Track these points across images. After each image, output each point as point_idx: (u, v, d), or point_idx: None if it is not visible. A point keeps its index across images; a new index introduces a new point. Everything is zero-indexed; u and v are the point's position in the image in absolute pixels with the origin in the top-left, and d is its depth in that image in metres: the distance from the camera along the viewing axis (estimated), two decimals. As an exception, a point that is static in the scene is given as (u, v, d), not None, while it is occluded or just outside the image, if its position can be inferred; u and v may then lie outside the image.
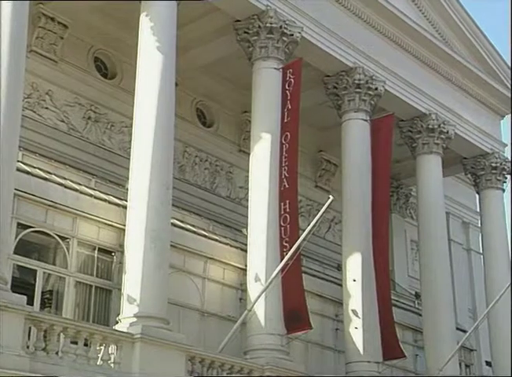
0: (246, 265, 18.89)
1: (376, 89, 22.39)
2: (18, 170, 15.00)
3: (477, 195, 27.78)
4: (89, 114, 20.46)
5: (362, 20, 22.68)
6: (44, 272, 15.99)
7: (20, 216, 15.57)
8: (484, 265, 27.07)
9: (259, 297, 17.60)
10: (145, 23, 17.41)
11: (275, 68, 19.85)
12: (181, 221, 18.75)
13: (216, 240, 19.66)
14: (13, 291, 13.62)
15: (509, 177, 26.76)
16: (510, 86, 27.09)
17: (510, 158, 27.13)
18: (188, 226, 19.04)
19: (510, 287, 24.31)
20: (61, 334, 14.01)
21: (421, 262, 24.56)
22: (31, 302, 14.52)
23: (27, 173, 16.02)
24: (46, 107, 19.47)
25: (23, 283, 15.20)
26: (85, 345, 14.31)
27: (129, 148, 17.24)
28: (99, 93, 20.67)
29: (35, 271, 15.81)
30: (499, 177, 26.68)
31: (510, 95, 27.17)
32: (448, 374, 21.98)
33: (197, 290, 18.84)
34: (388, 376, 21.11)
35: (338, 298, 21.26)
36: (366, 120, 22.20)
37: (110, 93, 20.81)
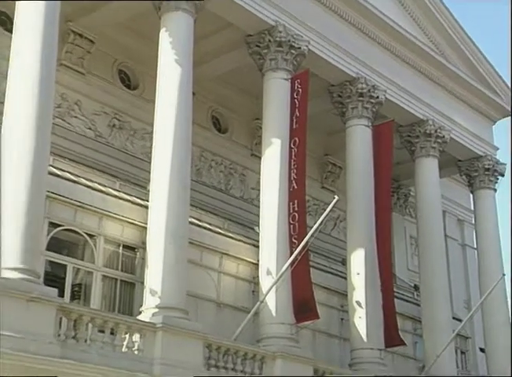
0: (258, 260, 18.92)
1: (377, 97, 22.36)
2: (50, 173, 15.09)
3: (471, 195, 27.67)
4: (114, 122, 20.51)
5: (364, 33, 22.67)
6: (73, 267, 16.12)
7: (52, 216, 15.66)
8: (477, 259, 26.99)
9: (270, 289, 17.65)
10: (165, 38, 17.48)
11: (284, 79, 19.86)
12: (198, 220, 18.79)
13: (230, 237, 19.73)
14: (46, 284, 13.79)
15: (500, 177, 26.75)
16: (499, 93, 27.07)
17: (501, 160, 27.09)
18: (205, 224, 19.10)
19: (503, 280, 24.41)
20: (89, 323, 14.11)
21: (419, 257, 24.53)
22: (61, 295, 14.58)
23: (58, 176, 16.13)
24: (75, 116, 19.55)
25: (54, 277, 15.32)
26: (112, 333, 14.41)
27: (150, 152, 17.25)
28: (123, 102, 20.74)
29: (65, 266, 15.95)
30: (491, 178, 26.61)
31: (499, 101, 27.16)
32: (445, 360, 22.00)
33: (213, 283, 18.91)
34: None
35: (343, 290, 21.24)
36: (368, 126, 22.17)
37: (133, 102, 20.85)
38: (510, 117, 27.91)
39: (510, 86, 27.27)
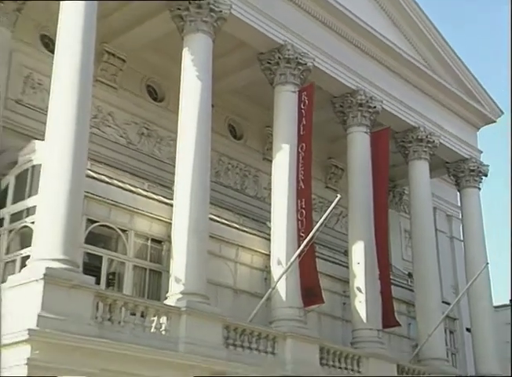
0: (269, 252, 18.94)
1: (375, 107, 22.37)
2: (87, 176, 15.23)
3: (458, 193, 27.64)
4: (143, 130, 20.60)
5: (363, 51, 22.71)
6: (108, 258, 16.18)
7: (89, 213, 15.75)
8: (464, 250, 27.00)
9: (281, 277, 17.75)
10: (187, 57, 17.57)
11: (292, 91, 19.89)
12: (217, 216, 18.80)
13: (245, 231, 19.76)
14: (84, 273, 13.94)
15: (484, 177, 26.78)
16: (483, 103, 27.10)
17: (484, 162, 27.08)
18: (223, 220, 19.13)
19: (486, 268, 24.42)
20: (122, 307, 14.23)
21: (413, 248, 24.55)
22: (98, 282, 14.68)
23: (94, 178, 16.22)
24: (109, 126, 19.67)
25: (92, 267, 15.39)
26: (142, 316, 14.53)
27: (175, 157, 17.30)
28: (150, 113, 20.82)
29: (101, 257, 16.02)
30: (476, 178, 26.58)
31: (483, 110, 27.18)
32: (436, 339, 22.00)
33: (230, 272, 18.96)
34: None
35: (345, 278, 21.25)
36: (367, 133, 22.19)
37: (159, 113, 20.91)
38: (491, 124, 27.97)
39: (492, 96, 27.35)
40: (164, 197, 17.55)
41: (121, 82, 20.10)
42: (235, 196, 22.44)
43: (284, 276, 17.70)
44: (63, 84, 14.73)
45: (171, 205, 16.93)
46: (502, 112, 27.94)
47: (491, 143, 57.81)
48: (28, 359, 12.14)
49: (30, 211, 15.40)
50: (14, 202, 16.13)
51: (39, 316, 12.43)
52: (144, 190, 17.67)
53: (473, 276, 23.92)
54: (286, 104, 19.84)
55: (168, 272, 16.32)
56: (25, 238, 15.36)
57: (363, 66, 22.55)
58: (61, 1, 15.32)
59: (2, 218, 16.11)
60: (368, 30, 22.49)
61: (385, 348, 20.46)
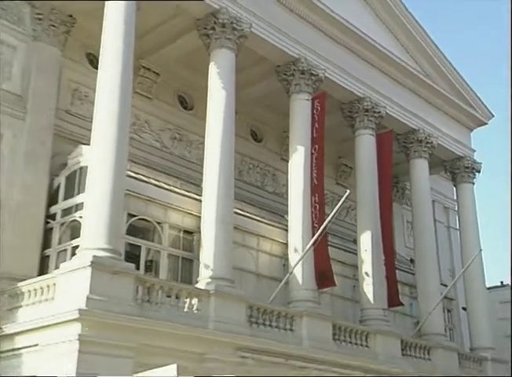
0: (287, 241, 18.95)
1: (379, 112, 22.31)
2: (127, 176, 15.39)
3: (454, 188, 27.46)
4: (175, 135, 20.66)
5: (368, 63, 22.62)
6: (146, 248, 16.39)
7: (129, 208, 15.93)
8: (460, 238, 26.80)
9: (297, 263, 17.76)
10: (213, 70, 17.65)
11: (306, 99, 19.87)
12: (241, 210, 18.85)
13: (265, 223, 19.79)
14: (125, 261, 14.12)
15: (477, 173, 26.59)
16: (476, 108, 26.90)
17: (477, 160, 26.89)
18: (246, 213, 19.18)
19: (479, 254, 24.33)
20: (159, 290, 14.38)
21: (414, 237, 24.43)
22: (137, 268, 14.90)
23: (134, 178, 16.38)
24: (145, 132, 19.77)
25: (132, 255, 15.56)
26: (176, 298, 14.66)
27: (203, 158, 17.34)
28: (181, 120, 20.90)
29: (140, 247, 16.22)
30: (470, 175, 26.35)
31: (476, 114, 27.00)
32: (435, 317, 21.96)
33: (253, 259, 19.05)
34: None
35: (354, 263, 21.19)
36: (372, 135, 22.11)
37: (189, 120, 20.95)
38: (483, 126, 27.71)
39: (483, 101, 27.15)
40: (194, 193, 17.61)
41: (156, 93, 20.20)
42: (256, 192, 22.45)
43: (300, 263, 17.72)
44: (105, 96, 14.94)
45: (200, 200, 16.99)
46: (493, 115, 27.66)
47: (484, 143, 57.71)
48: (79, 335, 12.37)
49: (78, 207, 15.67)
50: (65, 199, 16.42)
51: (88, 298, 12.64)
52: (177, 188, 17.77)
53: (468, 261, 23.82)
54: (300, 110, 19.82)
55: (198, 259, 16.45)
56: (75, 230, 15.63)
57: (368, 76, 22.45)
58: (104, 24, 15.53)
59: (55, 213, 16.40)
60: (373, 44, 22.42)
61: (390, 325, 20.40)
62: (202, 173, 17.15)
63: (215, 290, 15.18)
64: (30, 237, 15.72)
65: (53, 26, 17.40)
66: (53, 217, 16.37)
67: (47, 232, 16.23)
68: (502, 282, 39.93)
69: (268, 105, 22.58)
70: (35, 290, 14.19)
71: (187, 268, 17.13)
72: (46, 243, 16.15)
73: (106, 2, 15.62)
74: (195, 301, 14.88)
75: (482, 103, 27.15)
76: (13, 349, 13.85)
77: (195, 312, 14.80)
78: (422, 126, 24.38)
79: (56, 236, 16.16)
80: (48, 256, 16.07)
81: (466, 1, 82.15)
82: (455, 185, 27.13)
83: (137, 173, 16.74)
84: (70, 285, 13.19)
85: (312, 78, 20.00)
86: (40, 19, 17.22)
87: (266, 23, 19.05)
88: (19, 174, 15.91)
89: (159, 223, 16.77)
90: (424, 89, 24.80)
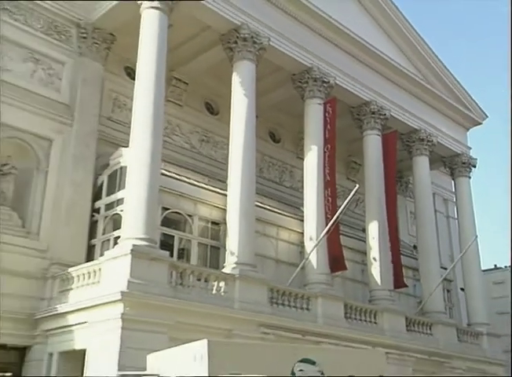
0: (303, 230, 18.88)
1: (385, 114, 22.12)
2: (161, 174, 15.50)
3: (452, 181, 27.22)
4: (203, 137, 20.69)
5: (373, 70, 22.39)
6: (178, 237, 16.48)
7: (163, 202, 16.01)
8: (458, 226, 26.57)
9: (312, 250, 17.76)
10: (236, 79, 17.66)
11: (318, 104, 19.77)
12: (261, 203, 18.81)
13: (283, 215, 19.77)
14: (161, 249, 14.26)
15: (473, 168, 26.35)
16: (471, 109, 26.58)
17: (473, 156, 26.62)
18: (266, 206, 19.14)
19: (475, 241, 24.12)
20: (190, 275, 14.50)
21: (417, 225, 24.16)
22: (171, 255, 15.00)
23: (167, 176, 16.45)
24: (177, 135, 19.80)
25: (166, 244, 15.65)
26: (205, 281, 14.77)
27: (228, 157, 17.36)
28: (208, 124, 20.91)
29: (173, 236, 16.32)
30: (466, 169, 26.09)
31: (471, 115, 26.67)
32: (436, 296, 21.82)
33: (273, 246, 19.06)
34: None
35: (363, 250, 21.07)
36: (378, 135, 21.93)
37: (215, 124, 20.96)
38: (478, 126, 27.35)
39: (478, 104, 26.84)
40: (220, 189, 17.63)
41: (185, 100, 20.23)
42: (275, 187, 22.38)
43: (315, 249, 17.70)
44: (141, 103, 15.09)
45: (225, 195, 17.01)
46: (487, 116, 27.33)
47: (479, 141, 56.99)
48: (122, 314, 12.58)
49: (119, 202, 15.84)
50: (107, 195, 16.60)
51: (129, 281, 12.84)
52: (205, 184, 17.81)
53: (465, 247, 23.65)
54: (314, 114, 19.72)
55: (224, 247, 16.49)
56: (116, 222, 15.82)
57: (374, 82, 22.26)
58: (140, 40, 15.65)
59: (99, 208, 16.60)
60: (378, 54, 22.22)
61: (396, 304, 20.34)
62: (227, 171, 17.17)
63: (239, 274, 15.26)
64: (78, 229, 15.95)
65: (96, 43, 17.59)
66: (97, 211, 16.58)
67: (93, 225, 16.45)
68: (495, 265, 39.60)
69: (284, 110, 22.49)
70: (83, 274, 14.45)
71: (214, 255, 17.18)
72: (92, 234, 16.37)
73: (142, 22, 15.77)
74: (222, 284, 14.97)
75: (477, 105, 26.82)
76: (65, 326, 14.11)
77: (222, 293, 14.89)
78: (423, 127, 24.13)
79: (100, 228, 16.38)
80: (94, 245, 16.30)
81: (460, 6, 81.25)
82: (453, 179, 26.85)
83: (170, 172, 16.83)
84: (113, 270, 13.40)
85: (324, 84, 19.90)
86: (84, 37, 17.42)
87: (282, 36, 18.98)
88: (68, 174, 16.15)
89: (189, 215, 16.86)
90: (424, 93, 24.53)
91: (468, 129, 27.29)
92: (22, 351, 14.77)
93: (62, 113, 16.57)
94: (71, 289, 14.56)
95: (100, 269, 13.93)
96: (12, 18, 16.18)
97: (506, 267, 37.88)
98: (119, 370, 11.38)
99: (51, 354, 14.41)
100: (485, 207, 70.78)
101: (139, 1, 15.83)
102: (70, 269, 14.79)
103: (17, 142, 15.79)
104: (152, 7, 15.69)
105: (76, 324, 13.81)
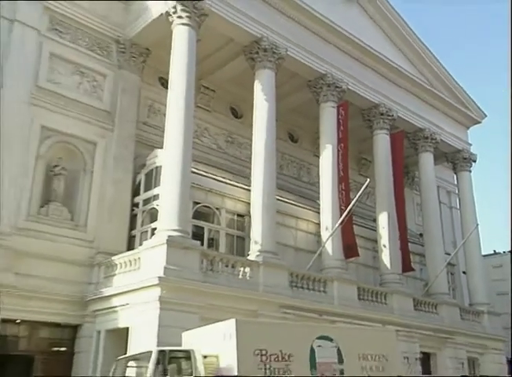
0: (319, 221, 18.74)
1: (392, 115, 21.79)
2: (192, 172, 15.47)
3: (454, 175, 26.80)
4: (228, 139, 20.59)
5: (382, 76, 22.07)
6: (208, 228, 16.44)
7: (194, 197, 16.02)
8: (460, 216, 26.08)
9: (328, 239, 17.66)
10: (257, 86, 17.58)
11: (332, 107, 19.58)
12: (281, 197, 18.67)
13: (302, 207, 19.60)
14: (193, 239, 14.28)
15: (473, 163, 25.88)
16: (471, 109, 26.08)
17: (473, 152, 26.13)
18: (285, 200, 19.00)
19: (476, 229, 23.73)
20: (219, 262, 14.53)
21: (423, 216, 23.80)
22: (202, 245, 15.04)
23: (197, 173, 16.42)
24: (205, 137, 19.73)
25: (197, 234, 15.63)
26: (232, 267, 14.79)
27: (251, 156, 17.28)
28: (233, 127, 20.80)
29: (203, 228, 16.30)
30: (467, 164, 25.62)
31: (471, 114, 26.16)
32: (441, 279, 21.52)
33: (292, 236, 18.92)
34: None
35: (374, 238, 20.84)
36: (387, 134, 21.63)
37: (239, 126, 20.84)
38: (478, 124, 26.81)
39: (478, 104, 26.32)
40: (244, 184, 17.57)
41: (213, 106, 20.17)
42: (293, 183, 22.19)
43: (331, 238, 17.59)
44: (174, 109, 15.12)
45: (249, 190, 16.97)
46: (486, 115, 26.82)
47: (479, 138, 55.94)
48: (159, 296, 12.71)
49: (155, 197, 15.89)
50: (145, 191, 16.68)
51: (165, 268, 12.95)
52: (230, 180, 17.75)
53: (467, 234, 23.39)
54: (328, 116, 19.54)
55: (249, 237, 16.46)
56: (153, 216, 15.87)
57: (383, 86, 21.95)
58: (172, 54, 15.66)
59: (138, 203, 16.69)
60: (386, 60, 21.90)
61: (404, 286, 20.13)
62: (250, 168, 17.12)
63: (263, 260, 15.24)
64: (120, 221, 16.10)
65: (133, 57, 17.67)
66: (136, 205, 16.66)
67: (132, 218, 16.55)
68: (494, 250, 38.92)
69: (301, 113, 22.28)
70: (125, 262, 14.57)
71: (240, 244, 17.12)
72: (132, 226, 16.48)
73: (173, 37, 15.78)
74: (247, 269, 14.96)
75: (476, 105, 26.33)
76: (110, 308, 14.27)
77: (248, 278, 14.89)
78: (427, 126, 23.73)
79: (139, 220, 16.46)
80: (134, 236, 16.40)
81: (459, 12, 79.54)
82: (455, 173, 26.42)
83: (199, 170, 16.81)
84: (151, 258, 13.49)
85: (337, 89, 19.70)
86: (123, 52, 17.50)
87: (299, 46, 18.81)
88: (110, 174, 16.29)
89: (217, 208, 16.84)
90: (428, 95, 24.10)
91: (468, 128, 26.76)
92: (74, 329, 15.02)
93: (104, 119, 16.71)
94: (115, 275, 14.70)
95: (139, 257, 14.03)
96: (61, 37, 16.37)
97: (504, 252, 37.34)
98: (158, 345, 11.44)
99: (99, 332, 14.60)
100: (485, 198, 69.65)
101: (171, 19, 15.86)
102: (113, 257, 14.92)
103: (66, 146, 15.99)
104: (182, 24, 15.71)
105: (120, 306, 13.96)
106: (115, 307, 14.08)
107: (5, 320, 13.52)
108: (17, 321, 13.93)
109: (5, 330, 13.74)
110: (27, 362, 14.04)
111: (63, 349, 14.73)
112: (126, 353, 12.33)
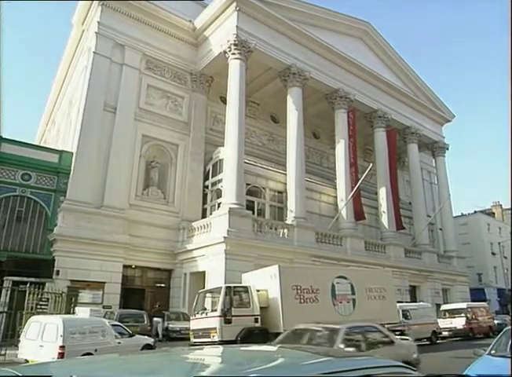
0: (336, 195, 18.05)
1: (387, 117, 20.62)
2: (245, 162, 15.04)
3: (433, 159, 25.29)
4: (269, 137, 19.95)
5: (379, 89, 20.82)
6: (257, 202, 16.15)
7: (247, 180, 15.55)
8: (438, 189, 24.68)
9: (343, 207, 17.01)
10: (289, 100, 16.91)
11: (343, 113, 18.71)
12: (309, 178, 17.98)
13: (323, 185, 18.91)
14: (246, 209, 13.90)
15: (446, 150, 24.39)
16: (443, 111, 24.50)
17: (446, 142, 24.51)
18: (311, 180, 18.34)
19: (449, 198, 22.49)
20: (266, 225, 14.15)
21: (411, 189, 22.64)
22: (253, 213, 14.72)
23: (248, 164, 16.01)
24: (253, 137, 19.20)
25: (250, 207, 15.22)
26: (275, 229, 14.40)
27: (286, 150, 16.69)
28: (273, 129, 20.10)
29: (254, 201, 16.00)
30: (442, 151, 24.22)
31: (443, 115, 24.55)
32: (423, 234, 20.43)
33: (317, 206, 18.28)
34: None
35: (375, 206, 19.89)
36: (384, 131, 20.50)
37: (277, 129, 20.04)
38: (449, 123, 25.20)
39: (449, 107, 24.59)
40: (282, 170, 17.08)
41: (258, 115, 19.62)
42: (317, 168, 21.35)
43: (345, 207, 16.99)
44: (231, 119, 14.70)
45: (285, 174, 16.49)
46: (455, 115, 25.48)
47: (450, 132, 52.85)
48: (225, 250, 12.50)
49: (219, 181, 15.66)
50: (212, 176, 16.44)
51: (228, 230, 12.71)
52: (273, 167, 17.35)
53: (442, 202, 22.39)
54: (341, 119, 18.73)
55: (286, 207, 16.06)
56: (219, 194, 15.65)
57: (381, 96, 20.83)
58: (228, 79, 15.21)
59: (208, 185, 16.46)
60: (383, 78, 20.76)
61: (398, 240, 19.22)
62: (285, 159, 16.58)
63: (296, 224, 14.83)
64: (196, 198, 16.01)
65: (202, 83, 17.32)
66: (207, 187, 16.46)
67: (204, 196, 16.39)
68: (462, 213, 37.48)
69: (321, 117, 21.40)
70: (201, 226, 14.42)
71: (280, 212, 16.77)
72: (204, 201, 16.33)
73: (229, 68, 15.29)
74: (285, 230, 14.61)
75: (448, 109, 25.11)
76: (192, 257, 14.23)
77: (286, 236, 14.53)
78: (413, 124, 22.45)
79: (209, 198, 16.29)
80: (206, 208, 16.26)
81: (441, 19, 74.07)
82: (434, 158, 25.11)
83: (250, 161, 16.46)
84: (218, 223, 13.29)
85: (347, 100, 18.78)
86: (195, 80, 17.19)
87: (319, 70, 17.94)
88: (188, 165, 16.19)
89: (263, 188, 16.49)
90: (413, 102, 22.84)
91: (442, 125, 25.38)
92: (169, 272, 15.18)
93: (183, 128, 16.60)
94: (194, 235, 14.61)
95: (210, 223, 13.88)
96: (154, 73, 16.49)
97: (468, 214, 36.44)
98: (225, 283, 11.38)
99: (185, 274, 14.64)
100: (455, 176, 66.40)
101: (227, 56, 15.37)
102: (193, 223, 14.84)
103: (159, 147, 16.01)
104: (235, 58, 15.28)
105: (198, 256, 13.88)
106: (195, 257, 14.04)
107: (125, 266, 13.98)
108: (133, 266, 14.33)
109: (126, 272, 14.18)
110: (141, 293, 14.50)
111: (163, 285, 15.01)
112: (204, 288, 12.35)
